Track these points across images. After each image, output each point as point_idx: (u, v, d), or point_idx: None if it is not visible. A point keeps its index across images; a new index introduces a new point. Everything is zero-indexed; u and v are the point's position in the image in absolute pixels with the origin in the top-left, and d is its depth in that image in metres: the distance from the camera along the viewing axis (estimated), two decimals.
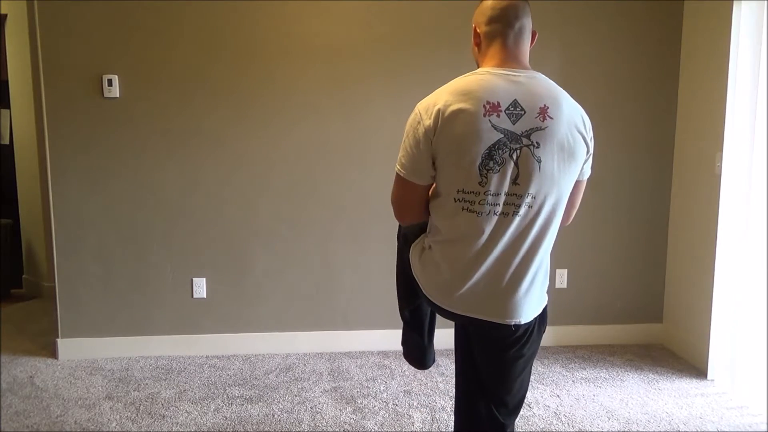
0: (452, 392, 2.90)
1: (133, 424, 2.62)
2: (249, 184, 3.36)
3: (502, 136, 1.37)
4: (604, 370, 3.23)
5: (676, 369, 3.26)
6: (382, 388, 2.96)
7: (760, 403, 2.80)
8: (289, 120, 3.34)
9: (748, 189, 2.97)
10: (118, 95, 3.23)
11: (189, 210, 3.36)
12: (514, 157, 1.38)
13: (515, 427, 1.71)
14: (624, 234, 3.59)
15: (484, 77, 1.42)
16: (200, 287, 3.41)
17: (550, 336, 3.60)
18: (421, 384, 3.03)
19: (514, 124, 1.38)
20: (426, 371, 3.16)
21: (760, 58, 2.89)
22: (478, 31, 1.51)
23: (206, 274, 3.41)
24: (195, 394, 2.93)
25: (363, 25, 3.31)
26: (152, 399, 2.86)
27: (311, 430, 2.58)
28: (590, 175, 1.60)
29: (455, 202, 1.43)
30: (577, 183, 1.55)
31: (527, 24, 1.48)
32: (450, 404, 2.79)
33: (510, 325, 1.49)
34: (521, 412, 2.72)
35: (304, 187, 3.39)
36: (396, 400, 2.83)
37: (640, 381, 3.10)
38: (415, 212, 1.56)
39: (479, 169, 1.39)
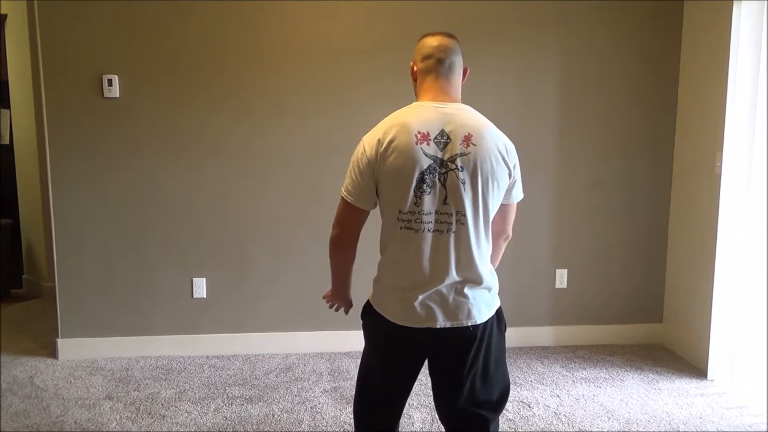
0: None
1: (133, 424, 2.62)
2: (249, 184, 3.36)
3: (431, 161, 1.56)
4: (604, 370, 3.23)
5: (676, 369, 3.26)
6: None
7: (760, 403, 2.80)
8: (289, 120, 3.34)
9: (748, 189, 2.97)
10: (118, 95, 3.23)
11: (189, 210, 3.36)
12: (443, 179, 1.57)
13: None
14: (624, 234, 3.59)
15: (417, 110, 1.63)
16: (200, 287, 3.41)
17: (550, 336, 3.60)
18: (420, 384, 3.02)
19: (441, 151, 1.56)
20: (426, 371, 3.16)
21: (760, 58, 2.88)
22: (414, 68, 1.72)
23: (206, 274, 3.41)
24: (195, 394, 2.93)
25: (364, 26, 3.31)
26: (152, 399, 2.86)
27: (311, 430, 2.58)
28: (521, 199, 1.78)
29: (397, 221, 1.61)
30: (508, 206, 1.74)
31: (457, 61, 1.68)
32: None
33: (468, 327, 1.62)
34: (522, 412, 2.73)
35: (305, 187, 3.39)
36: None
37: (640, 381, 3.10)
38: (351, 236, 1.75)
39: (414, 191, 1.57)
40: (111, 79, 3.20)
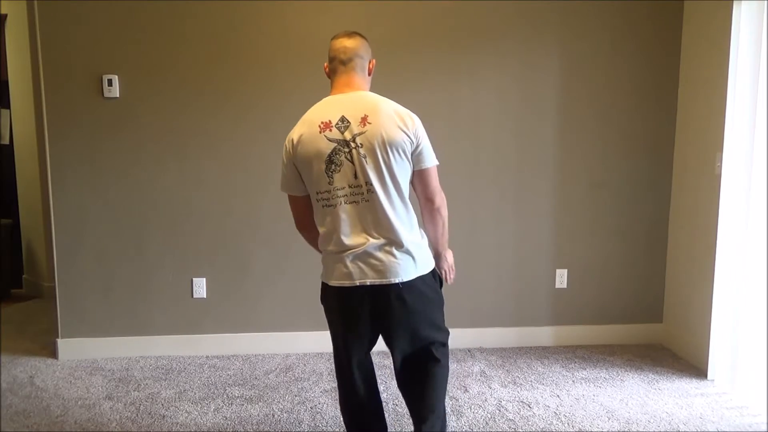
0: (452, 392, 2.91)
1: (133, 424, 2.62)
2: (249, 184, 3.36)
3: (336, 144, 1.83)
4: (604, 370, 3.23)
5: (676, 369, 3.26)
6: (381, 388, 2.96)
7: (760, 403, 2.80)
8: (290, 120, 3.26)
9: (748, 189, 2.97)
10: (118, 95, 3.23)
11: (189, 210, 3.36)
12: (349, 158, 1.82)
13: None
14: (624, 234, 3.59)
15: (322, 104, 1.91)
16: (200, 287, 3.41)
17: (550, 336, 3.60)
18: None
19: (342, 134, 1.83)
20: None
21: (760, 58, 2.88)
22: (326, 69, 1.99)
23: (206, 274, 3.41)
24: (195, 394, 2.93)
25: (364, 26, 3.29)
26: (152, 399, 2.86)
27: (311, 430, 2.58)
28: (437, 164, 1.94)
29: (317, 202, 1.90)
30: (422, 171, 1.91)
31: (357, 59, 1.94)
32: (450, 404, 2.79)
33: (397, 284, 1.85)
34: (522, 412, 2.73)
35: None
36: (396, 400, 2.83)
37: (640, 381, 3.10)
38: (305, 220, 2.03)
39: (325, 172, 1.84)
40: (111, 79, 3.21)
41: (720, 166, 3.05)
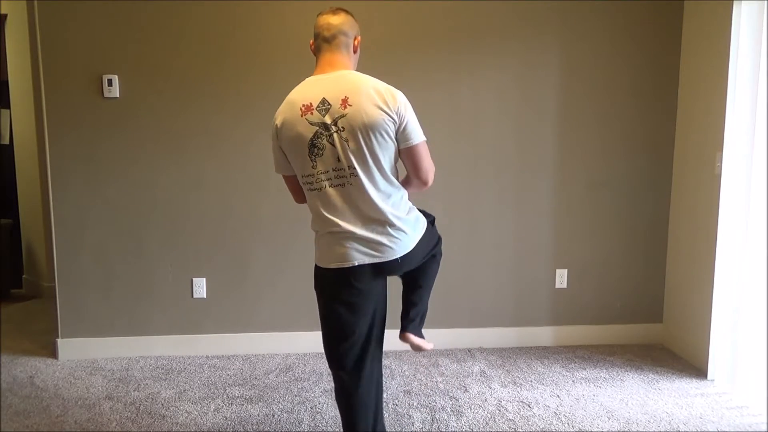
0: (452, 392, 2.91)
1: (133, 424, 2.62)
2: (250, 183, 3.36)
3: (317, 128, 1.79)
4: (604, 370, 3.23)
5: (676, 369, 3.26)
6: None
7: (760, 403, 2.80)
8: None
9: (748, 189, 2.97)
10: (118, 95, 3.23)
11: (189, 210, 3.36)
12: (331, 141, 1.78)
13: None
14: (624, 234, 3.59)
15: (304, 85, 1.86)
16: (200, 287, 3.41)
17: (550, 336, 3.60)
18: (421, 384, 3.03)
19: (324, 117, 1.78)
20: (426, 371, 3.16)
21: (760, 58, 2.88)
22: (312, 46, 1.94)
23: (206, 274, 3.41)
24: (195, 394, 2.93)
25: (364, 25, 3.28)
26: (152, 399, 2.86)
27: (311, 430, 2.58)
28: (425, 140, 1.88)
29: (304, 185, 1.88)
30: (409, 149, 1.85)
31: (342, 37, 1.90)
32: (450, 404, 2.79)
33: (396, 260, 1.86)
34: (522, 412, 2.73)
35: None
36: (396, 400, 2.83)
37: (640, 381, 3.10)
38: (301, 198, 2.00)
39: (308, 156, 1.81)
40: (111, 79, 3.21)
41: (720, 166, 3.05)
